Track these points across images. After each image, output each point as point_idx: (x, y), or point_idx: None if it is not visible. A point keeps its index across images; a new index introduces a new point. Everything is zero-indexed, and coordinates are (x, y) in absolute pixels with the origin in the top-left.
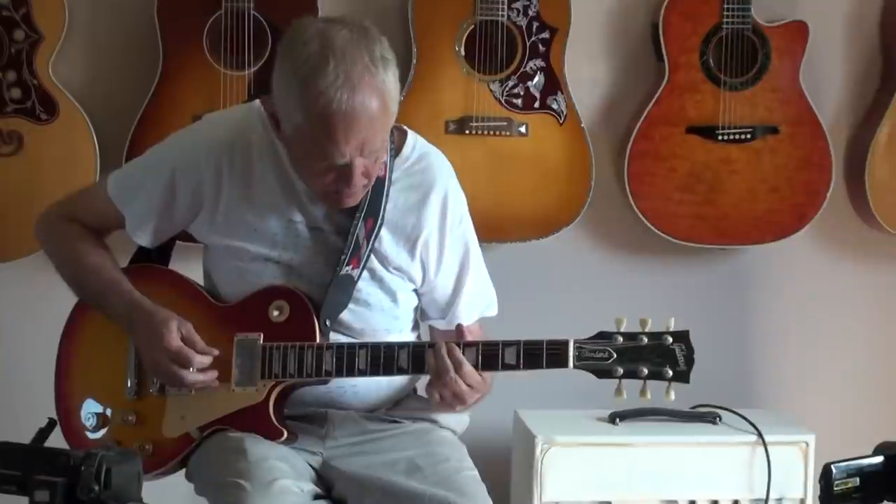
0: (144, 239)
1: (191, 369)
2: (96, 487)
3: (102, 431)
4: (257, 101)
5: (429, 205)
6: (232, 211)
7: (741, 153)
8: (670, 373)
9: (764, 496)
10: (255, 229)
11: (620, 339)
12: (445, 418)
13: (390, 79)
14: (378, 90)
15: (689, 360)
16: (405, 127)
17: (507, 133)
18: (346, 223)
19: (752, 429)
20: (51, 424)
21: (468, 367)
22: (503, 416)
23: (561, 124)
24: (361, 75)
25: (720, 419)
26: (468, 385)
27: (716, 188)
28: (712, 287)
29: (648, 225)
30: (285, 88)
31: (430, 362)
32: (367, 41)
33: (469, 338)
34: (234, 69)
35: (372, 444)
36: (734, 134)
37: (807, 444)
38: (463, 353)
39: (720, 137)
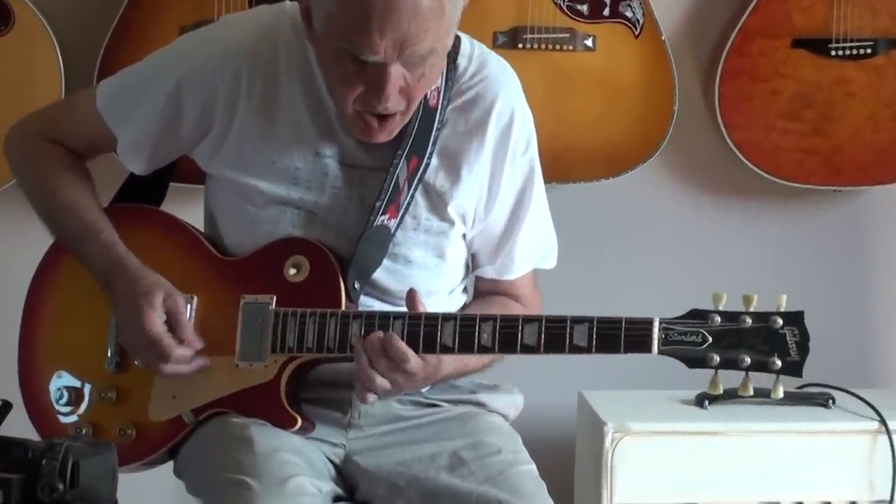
0: (138, 165)
1: (169, 361)
2: (60, 486)
3: (75, 409)
4: (288, 2)
5: (489, 124)
6: (246, 137)
7: (859, 72)
8: (778, 363)
9: (888, 496)
10: (273, 162)
11: (718, 318)
12: (494, 400)
13: None
14: None
15: (803, 349)
16: (456, 31)
17: (570, 47)
18: (387, 159)
19: (872, 413)
20: (5, 407)
21: (414, 362)
22: (565, 397)
23: (636, 36)
24: None
25: (834, 402)
26: (406, 373)
27: (828, 115)
28: (823, 237)
29: (744, 160)
30: None
31: (357, 350)
32: None
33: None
34: None
35: (406, 434)
36: (851, 48)
37: None
38: (521, 329)
39: (834, 52)
